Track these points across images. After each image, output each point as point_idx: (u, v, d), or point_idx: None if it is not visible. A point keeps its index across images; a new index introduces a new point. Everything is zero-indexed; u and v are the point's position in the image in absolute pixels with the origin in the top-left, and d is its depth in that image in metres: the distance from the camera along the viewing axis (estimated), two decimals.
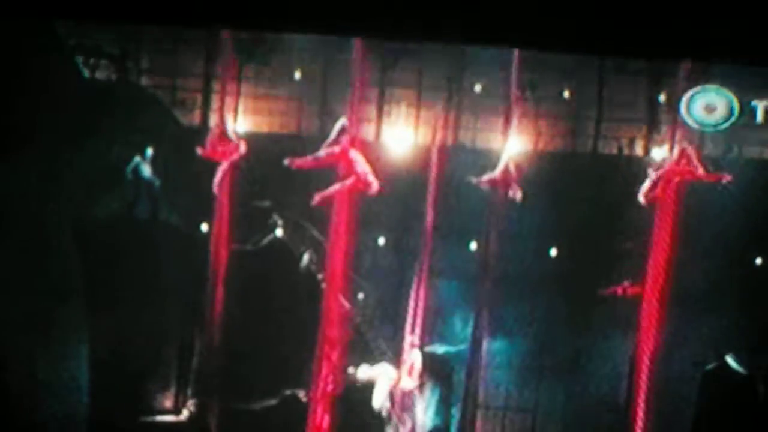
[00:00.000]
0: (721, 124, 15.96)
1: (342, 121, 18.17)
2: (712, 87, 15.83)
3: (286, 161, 18.05)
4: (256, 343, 19.47)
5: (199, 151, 18.89)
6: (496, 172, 18.09)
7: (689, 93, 15.91)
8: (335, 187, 17.72)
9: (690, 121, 16.02)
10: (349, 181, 17.42)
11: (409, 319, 18.49)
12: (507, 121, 17.78)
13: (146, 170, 19.96)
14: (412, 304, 18.53)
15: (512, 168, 17.93)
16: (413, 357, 18.46)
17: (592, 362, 20.33)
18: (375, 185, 17.50)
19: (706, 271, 19.22)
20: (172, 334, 20.00)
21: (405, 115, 20.94)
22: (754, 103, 17.22)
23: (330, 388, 17.90)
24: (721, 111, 15.88)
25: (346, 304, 18.57)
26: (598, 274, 19.87)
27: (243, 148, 19.11)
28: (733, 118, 15.93)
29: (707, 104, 15.92)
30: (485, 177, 18.02)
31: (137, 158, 19.88)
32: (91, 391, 18.76)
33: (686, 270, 18.81)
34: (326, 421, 17.93)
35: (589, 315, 20.09)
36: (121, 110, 19.59)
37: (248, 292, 19.35)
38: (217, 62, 19.95)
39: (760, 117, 17.44)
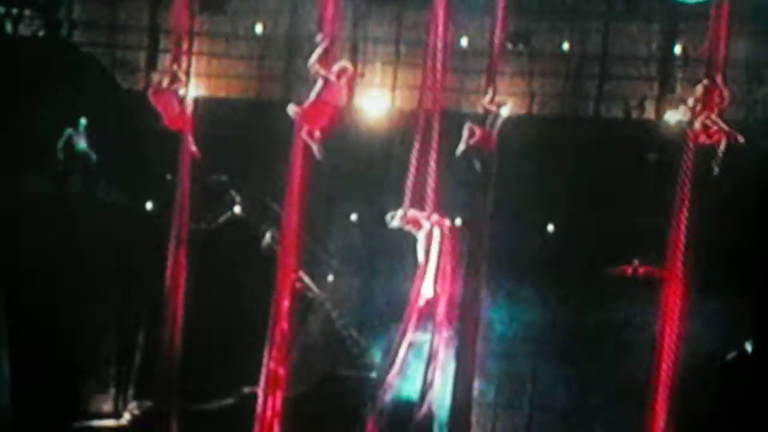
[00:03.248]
0: None
1: None
2: None
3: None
4: (211, 335, 18.13)
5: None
6: (480, 137, 16.48)
7: None
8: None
9: None
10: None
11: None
12: (492, 78, 16.33)
13: (81, 143, 18.46)
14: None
15: (493, 133, 16.37)
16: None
17: (594, 351, 19.23)
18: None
19: (724, 252, 17.81)
20: (111, 327, 18.66)
21: (381, 75, 19.98)
22: None
23: (281, 371, 16.03)
24: None
25: (302, 277, 16.88)
26: (601, 253, 18.60)
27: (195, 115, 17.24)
28: None
29: None
30: (466, 143, 16.41)
31: (69, 130, 18.37)
32: (14, 393, 17.23)
33: (704, 250, 17.30)
34: (276, 408, 16.09)
35: (589, 298, 19.17)
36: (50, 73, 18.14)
37: (203, 276, 17.25)
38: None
39: None
